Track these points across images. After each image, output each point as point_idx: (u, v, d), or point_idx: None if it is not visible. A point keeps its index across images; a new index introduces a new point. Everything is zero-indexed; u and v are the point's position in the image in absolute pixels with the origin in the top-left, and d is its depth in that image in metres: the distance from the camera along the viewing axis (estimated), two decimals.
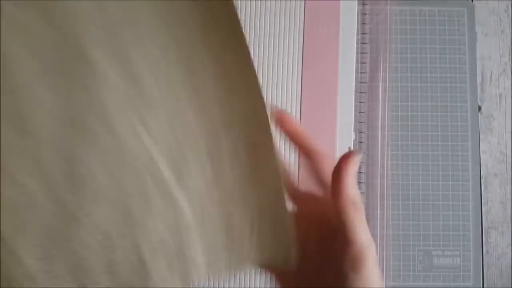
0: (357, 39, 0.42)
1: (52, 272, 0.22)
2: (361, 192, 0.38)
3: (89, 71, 0.20)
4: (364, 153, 0.41)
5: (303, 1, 0.41)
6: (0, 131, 0.19)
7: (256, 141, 0.23)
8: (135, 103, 0.21)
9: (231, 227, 0.23)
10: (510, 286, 0.41)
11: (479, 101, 0.43)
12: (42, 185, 0.21)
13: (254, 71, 0.22)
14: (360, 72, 0.42)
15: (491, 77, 0.43)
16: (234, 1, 0.22)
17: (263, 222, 0.23)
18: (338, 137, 0.40)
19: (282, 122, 0.27)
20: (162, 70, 0.22)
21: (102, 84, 0.20)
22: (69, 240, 0.22)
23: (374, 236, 0.40)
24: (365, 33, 0.42)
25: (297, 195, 0.26)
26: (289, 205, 0.25)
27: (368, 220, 0.24)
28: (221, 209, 0.23)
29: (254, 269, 0.31)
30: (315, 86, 0.40)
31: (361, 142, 0.41)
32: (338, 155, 0.40)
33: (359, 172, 0.41)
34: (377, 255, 0.23)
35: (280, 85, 0.41)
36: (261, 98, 0.22)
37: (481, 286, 0.40)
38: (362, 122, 0.41)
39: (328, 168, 0.25)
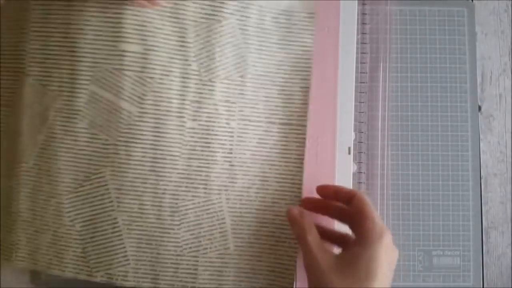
0: (357, 39, 0.42)
1: (140, 260, 0.38)
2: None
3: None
4: (364, 153, 0.41)
5: None
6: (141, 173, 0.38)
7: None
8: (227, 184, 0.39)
9: (254, 270, 0.38)
10: (510, 286, 0.41)
11: (479, 101, 0.43)
12: (154, 208, 0.38)
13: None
14: (360, 72, 0.42)
15: (491, 77, 0.43)
16: None
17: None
18: (338, 137, 0.40)
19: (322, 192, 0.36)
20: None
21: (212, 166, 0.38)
22: (158, 245, 0.38)
23: None
24: (365, 33, 0.42)
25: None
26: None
27: None
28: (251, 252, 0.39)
29: None
30: (315, 86, 0.40)
31: (361, 142, 0.41)
32: (338, 155, 0.40)
33: (359, 172, 0.41)
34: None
35: None
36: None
37: (481, 286, 0.40)
38: (362, 122, 0.41)
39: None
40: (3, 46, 0.39)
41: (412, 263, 0.40)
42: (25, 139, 0.38)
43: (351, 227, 0.33)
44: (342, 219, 0.35)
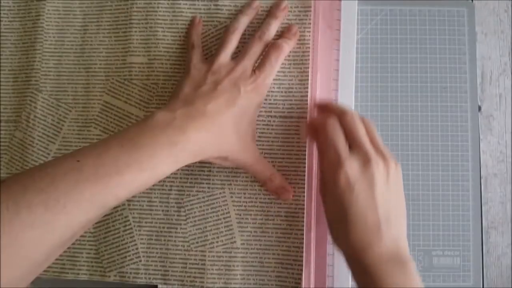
0: (357, 39, 0.42)
1: (150, 257, 0.40)
2: None
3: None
4: None
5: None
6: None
7: None
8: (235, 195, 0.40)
9: (262, 264, 0.39)
10: (510, 286, 0.41)
11: (479, 101, 0.43)
12: (162, 205, 0.40)
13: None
14: (360, 72, 0.42)
15: (491, 77, 0.43)
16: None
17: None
18: None
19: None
20: None
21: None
22: (167, 240, 0.40)
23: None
24: (365, 33, 0.42)
25: None
26: None
27: None
28: (258, 245, 0.39)
29: None
30: (315, 86, 0.40)
31: None
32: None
33: None
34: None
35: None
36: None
37: (481, 286, 0.40)
38: None
39: None
40: (9, 66, 0.42)
41: None
42: (36, 149, 0.41)
43: None
44: None
